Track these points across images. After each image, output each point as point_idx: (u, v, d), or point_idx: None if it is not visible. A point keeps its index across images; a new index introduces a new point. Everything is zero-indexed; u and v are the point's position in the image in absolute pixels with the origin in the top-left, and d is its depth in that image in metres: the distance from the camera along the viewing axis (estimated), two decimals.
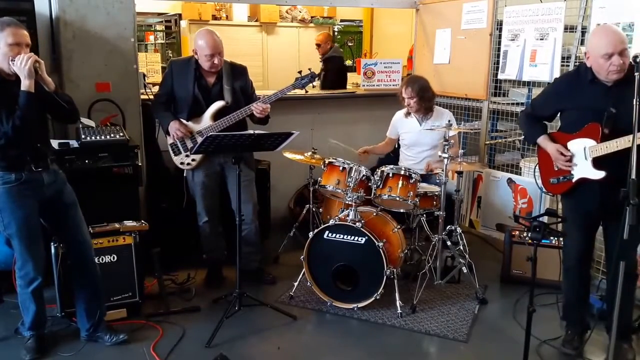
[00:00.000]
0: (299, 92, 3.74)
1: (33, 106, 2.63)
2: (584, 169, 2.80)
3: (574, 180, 2.85)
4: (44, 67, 2.69)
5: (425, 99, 4.03)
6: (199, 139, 3.42)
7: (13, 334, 3.11)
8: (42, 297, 2.92)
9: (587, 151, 2.77)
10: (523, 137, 3.26)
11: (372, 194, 3.60)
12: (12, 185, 2.70)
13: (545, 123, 3.07)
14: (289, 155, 4.03)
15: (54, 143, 3.26)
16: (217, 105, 3.56)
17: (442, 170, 3.55)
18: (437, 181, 3.85)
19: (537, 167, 3.09)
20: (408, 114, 4.16)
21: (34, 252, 2.81)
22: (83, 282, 3.01)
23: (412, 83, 4.04)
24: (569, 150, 2.85)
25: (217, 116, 3.57)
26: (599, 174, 2.74)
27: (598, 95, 2.71)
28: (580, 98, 2.79)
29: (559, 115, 3.02)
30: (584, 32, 3.77)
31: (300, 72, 3.64)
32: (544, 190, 3.06)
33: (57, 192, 2.88)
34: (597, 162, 2.74)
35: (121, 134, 3.51)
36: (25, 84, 2.61)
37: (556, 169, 2.93)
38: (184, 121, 3.59)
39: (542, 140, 2.96)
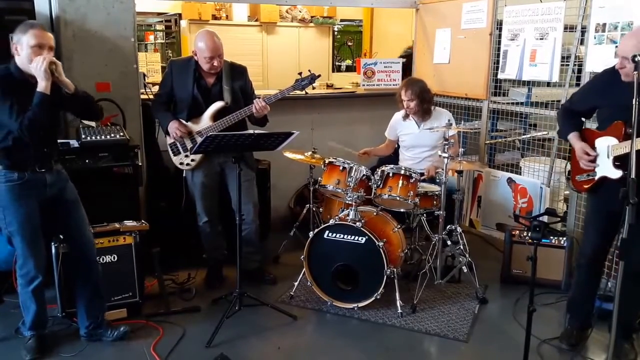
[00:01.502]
0: (299, 92, 3.74)
1: (45, 108, 2.60)
2: (605, 168, 2.80)
3: (596, 178, 2.85)
4: (61, 69, 2.66)
5: (425, 100, 4.03)
6: (199, 139, 3.42)
7: (13, 334, 3.11)
8: (42, 297, 2.92)
9: (609, 150, 2.76)
10: (557, 131, 3.27)
11: (373, 193, 3.60)
12: (15, 183, 2.71)
13: (582, 119, 3.05)
14: (289, 155, 4.03)
15: None
16: (217, 105, 3.56)
17: (442, 170, 3.56)
18: (437, 181, 3.85)
19: (568, 164, 3.09)
20: (406, 116, 4.16)
21: (34, 250, 2.81)
22: (84, 281, 3.01)
23: (412, 85, 4.04)
24: (595, 149, 2.84)
25: (216, 116, 3.56)
26: (617, 173, 2.72)
27: (632, 94, 2.60)
28: (614, 95, 2.75)
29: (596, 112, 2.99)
30: (583, 31, 3.76)
31: (300, 73, 3.63)
32: (571, 186, 3.06)
33: (59, 190, 2.88)
34: (618, 161, 2.72)
35: (121, 134, 3.50)
36: (42, 86, 2.58)
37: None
38: (184, 121, 3.59)
39: (572, 138, 2.95)
